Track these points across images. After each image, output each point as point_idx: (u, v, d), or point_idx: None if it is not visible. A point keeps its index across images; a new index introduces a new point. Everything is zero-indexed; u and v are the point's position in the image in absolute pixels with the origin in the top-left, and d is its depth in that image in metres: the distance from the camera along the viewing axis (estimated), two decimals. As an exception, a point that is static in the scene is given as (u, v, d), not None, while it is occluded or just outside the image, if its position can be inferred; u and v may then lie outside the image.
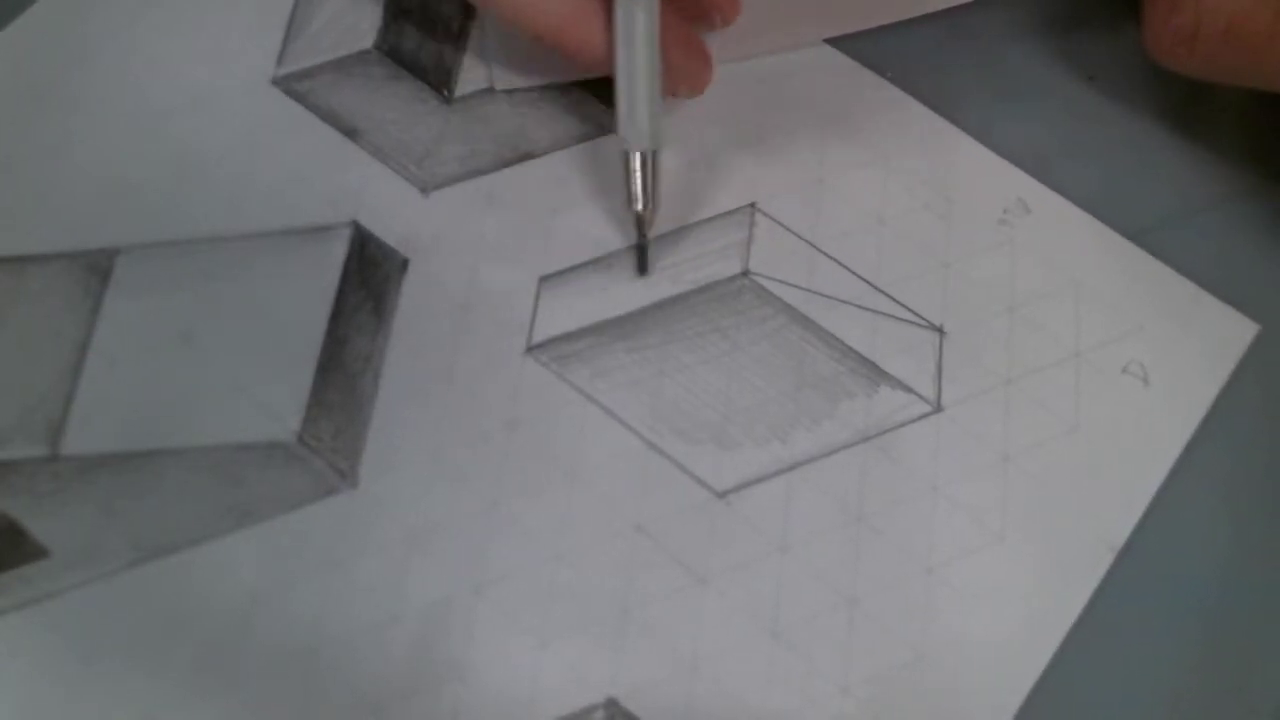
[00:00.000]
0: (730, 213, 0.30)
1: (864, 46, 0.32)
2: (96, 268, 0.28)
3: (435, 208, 0.30)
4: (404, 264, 0.29)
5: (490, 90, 0.31)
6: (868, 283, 0.29)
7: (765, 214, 0.30)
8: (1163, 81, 0.30)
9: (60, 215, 0.29)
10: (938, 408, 0.28)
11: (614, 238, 0.29)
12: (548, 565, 0.26)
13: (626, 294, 0.29)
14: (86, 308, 0.28)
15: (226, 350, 0.28)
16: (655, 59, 0.26)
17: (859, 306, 0.29)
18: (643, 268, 0.29)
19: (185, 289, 0.28)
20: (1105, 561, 0.27)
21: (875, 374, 0.28)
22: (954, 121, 0.31)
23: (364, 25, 0.32)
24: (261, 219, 0.29)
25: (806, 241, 0.29)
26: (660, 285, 0.29)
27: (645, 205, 0.28)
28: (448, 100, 0.31)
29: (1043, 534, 0.27)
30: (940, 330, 0.29)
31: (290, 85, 0.31)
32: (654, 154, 0.27)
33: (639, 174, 0.27)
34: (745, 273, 0.29)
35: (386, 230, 0.29)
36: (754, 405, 0.28)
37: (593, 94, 0.31)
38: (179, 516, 0.26)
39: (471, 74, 0.31)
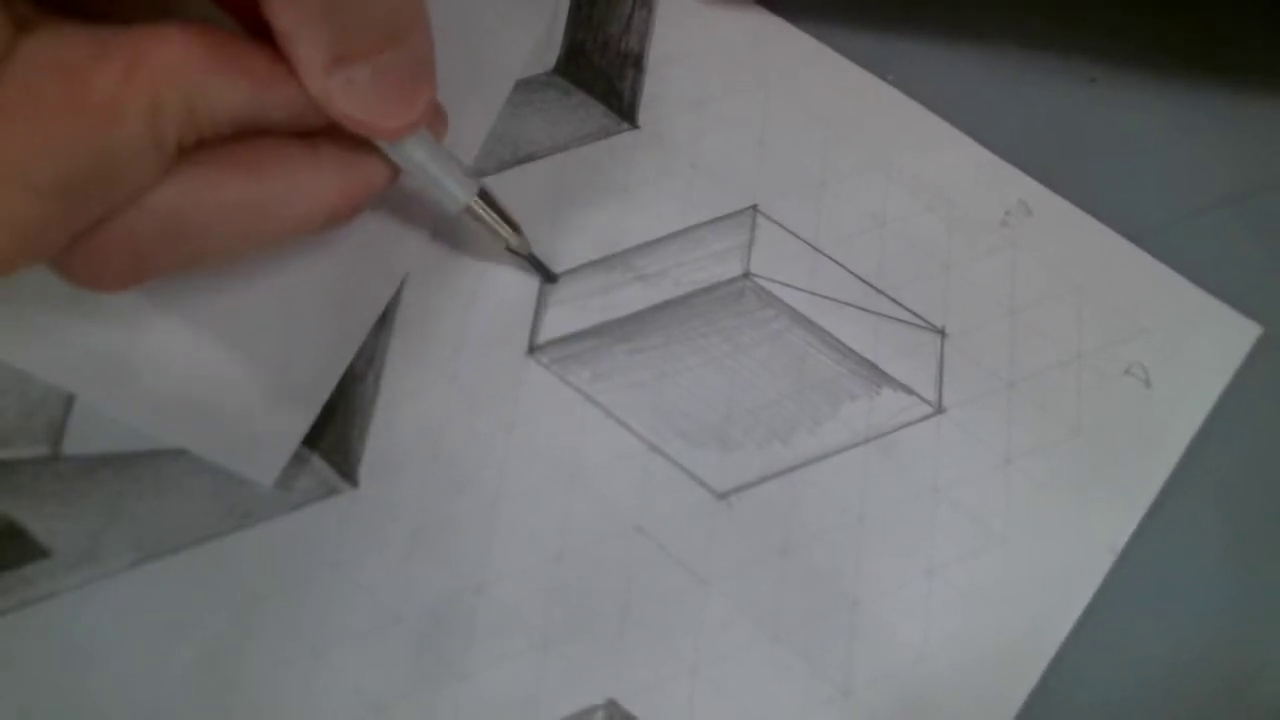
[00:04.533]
0: (732, 215, 0.30)
1: (864, 48, 0.32)
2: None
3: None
4: (405, 265, 0.29)
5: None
6: (869, 284, 0.29)
7: (766, 216, 0.30)
8: (1164, 82, 0.30)
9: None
10: (939, 409, 0.28)
11: (615, 238, 0.29)
12: (548, 566, 0.26)
13: (628, 295, 0.29)
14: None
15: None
16: (433, 144, 0.25)
17: (860, 308, 0.29)
18: (549, 276, 0.29)
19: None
20: (1106, 563, 0.27)
21: (876, 376, 0.28)
22: (955, 123, 0.31)
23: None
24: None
25: (808, 243, 0.29)
26: (662, 287, 0.29)
27: (514, 234, 0.27)
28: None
29: (1044, 536, 0.27)
30: (942, 332, 0.29)
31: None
32: (479, 194, 0.26)
33: (487, 217, 0.27)
34: (747, 274, 0.29)
35: (388, 231, 0.29)
36: (755, 407, 0.28)
37: (594, 94, 0.31)
38: (180, 517, 0.26)
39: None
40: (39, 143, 0.20)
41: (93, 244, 0.22)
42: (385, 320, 0.28)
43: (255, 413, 0.27)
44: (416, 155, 0.25)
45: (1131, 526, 0.27)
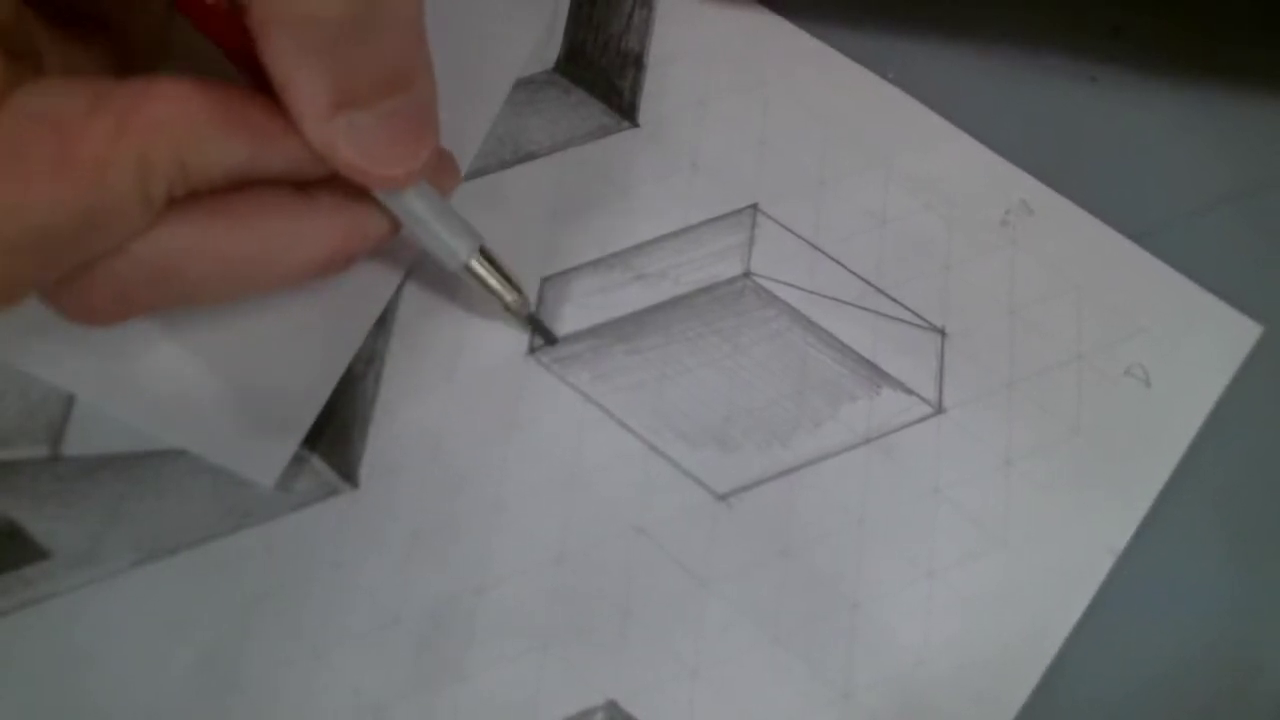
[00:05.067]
0: (731, 214, 0.30)
1: (864, 47, 0.32)
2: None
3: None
4: (405, 265, 0.29)
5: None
6: (869, 284, 0.29)
7: (766, 215, 0.30)
8: (1164, 82, 0.30)
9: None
10: (939, 410, 0.28)
11: (615, 239, 0.29)
12: (548, 567, 0.26)
13: (627, 296, 0.29)
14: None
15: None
16: (434, 197, 0.25)
17: (860, 308, 0.29)
18: (549, 339, 0.28)
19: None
20: (1106, 564, 0.27)
21: (876, 376, 0.28)
22: (955, 122, 0.31)
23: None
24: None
25: (808, 243, 0.29)
26: (662, 287, 0.29)
27: (516, 294, 0.27)
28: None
29: (1044, 537, 0.27)
30: (942, 332, 0.29)
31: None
32: (480, 250, 0.26)
33: (487, 276, 0.26)
34: (746, 274, 0.29)
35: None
36: (755, 407, 0.28)
37: (594, 94, 0.31)
38: (180, 517, 0.26)
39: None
40: (17, 200, 0.20)
41: (78, 285, 0.22)
42: (385, 320, 0.28)
43: (255, 413, 0.27)
44: (416, 208, 0.24)
45: (1132, 527, 0.27)
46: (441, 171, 0.25)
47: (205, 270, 0.23)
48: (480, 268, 0.26)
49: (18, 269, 0.21)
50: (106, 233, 0.21)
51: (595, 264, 0.29)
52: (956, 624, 0.26)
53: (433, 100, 0.23)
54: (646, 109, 0.31)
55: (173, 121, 0.21)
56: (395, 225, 0.25)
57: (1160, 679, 0.26)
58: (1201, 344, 0.29)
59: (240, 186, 0.23)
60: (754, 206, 0.30)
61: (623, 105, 0.31)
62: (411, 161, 0.23)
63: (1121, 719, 0.26)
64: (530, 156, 0.30)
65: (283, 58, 0.21)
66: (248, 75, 0.23)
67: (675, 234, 0.29)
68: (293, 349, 0.27)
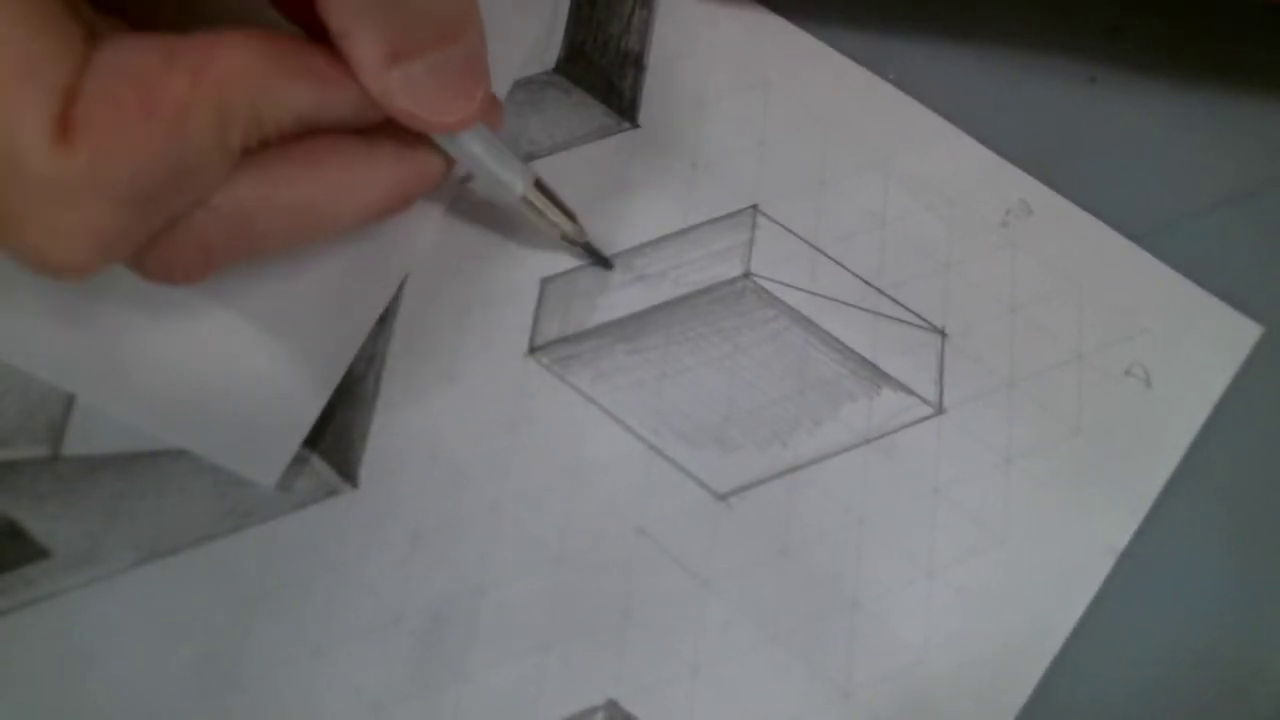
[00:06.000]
0: (732, 215, 0.30)
1: (864, 47, 0.32)
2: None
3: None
4: (405, 265, 0.29)
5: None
6: (869, 284, 0.29)
7: (767, 216, 0.30)
8: (1164, 82, 0.30)
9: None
10: (939, 410, 0.28)
11: (616, 239, 0.29)
12: (549, 567, 0.26)
13: (628, 296, 0.29)
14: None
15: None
16: (488, 136, 0.26)
17: (860, 308, 0.29)
18: (604, 262, 0.29)
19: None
20: (1107, 564, 0.27)
21: (877, 376, 0.28)
22: (955, 122, 0.31)
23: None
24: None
25: (808, 243, 0.29)
26: (662, 287, 0.29)
27: (569, 222, 0.28)
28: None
29: (1044, 536, 0.27)
30: (942, 332, 0.29)
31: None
32: (535, 181, 0.27)
33: (544, 207, 0.27)
34: (747, 274, 0.29)
35: (388, 231, 0.29)
36: (755, 407, 0.28)
37: (594, 94, 0.31)
38: (180, 517, 0.26)
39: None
40: (118, 153, 0.20)
41: (165, 244, 0.23)
42: (386, 321, 0.28)
43: (256, 413, 0.27)
44: (473, 148, 0.25)
45: (1133, 527, 0.27)
46: (491, 113, 0.26)
47: (280, 218, 0.24)
48: (536, 199, 0.27)
49: (123, 223, 0.21)
50: (193, 183, 0.22)
51: (597, 265, 0.29)
52: (956, 623, 0.26)
53: (482, 49, 0.24)
54: (646, 109, 0.31)
55: (244, 70, 0.21)
56: (451, 163, 0.26)
57: (1160, 679, 0.26)
58: (1202, 344, 0.29)
59: (305, 135, 0.23)
60: (754, 207, 0.30)
61: (623, 105, 0.31)
62: (465, 108, 0.24)
63: (1121, 719, 0.26)
64: (530, 157, 0.30)
65: (340, 11, 0.22)
66: (306, 29, 0.23)
67: (675, 234, 0.29)
68: (294, 349, 0.27)
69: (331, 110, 0.23)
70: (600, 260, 0.29)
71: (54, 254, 0.21)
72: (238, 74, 0.21)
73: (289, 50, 0.22)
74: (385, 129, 0.24)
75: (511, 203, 0.27)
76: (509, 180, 0.26)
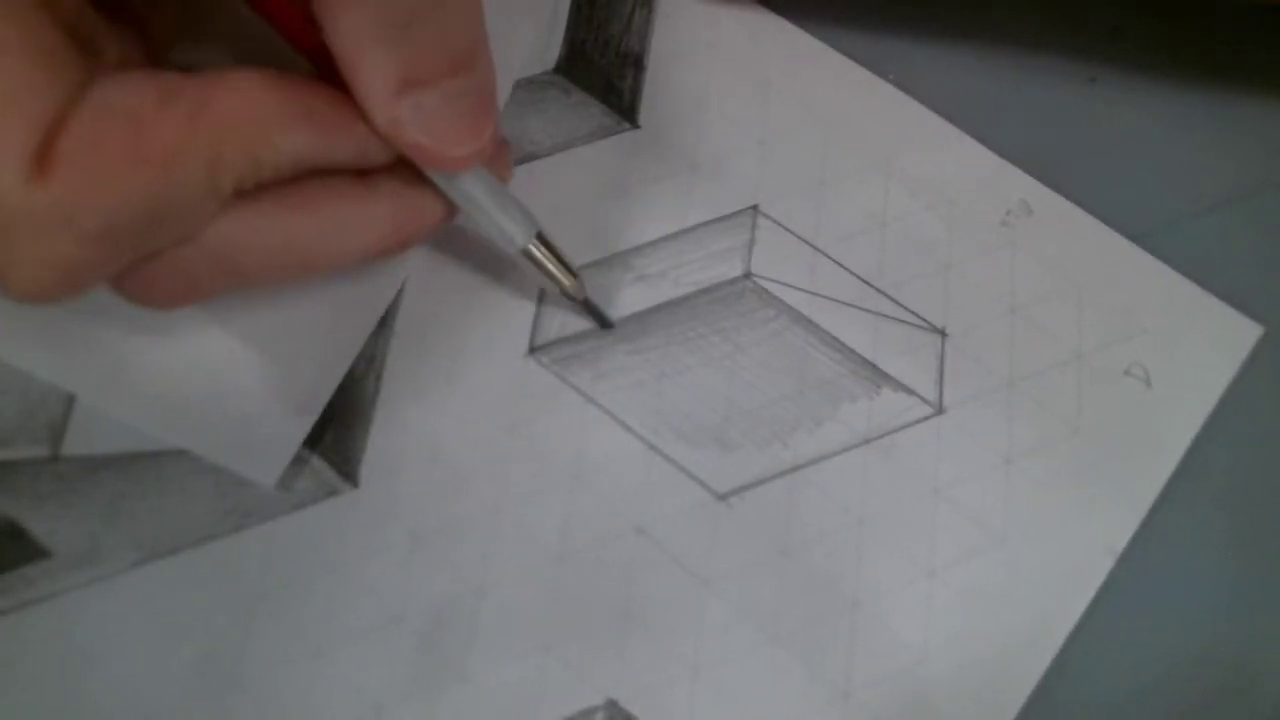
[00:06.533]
0: (732, 215, 0.30)
1: (864, 47, 0.32)
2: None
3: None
4: (405, 265, 0.29)
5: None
6: (869, 284, 0.29)
7: (767, 216, 0.30)
8: (1164, 82, 0.30)
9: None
10: (939, 410, 0.28)
11: (615, 238, 0.29)
12: (549, 567, 0.26)
13: (628, 296, 0.29)
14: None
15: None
16: (491, 182, 0.25)
17: (860, 308, 0.29)
18: (605, 323, 0.28)
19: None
20: (1106, 565, 0.27)
21: (877, 376, 0.28)
22: (955, 122, 0.31)
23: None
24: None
25: (808, 243, 0.29)
26: (662, 288, 0.29)
27: (570, 277, 0.27)
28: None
29: (1044, 537, 0.27)
30: (942, 332, 0.29)
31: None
32: (538, 235, 0.26)
33: (544, 260, 0.26)
34: (747, 275, 0.29)
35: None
36: (755, 407, 0.28)
37: (594, 94, 0.31)
38: (181, 517, 0.26)
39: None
40: (94, 191, 0.20)
41: (145, 272, 0.22)
42: (386, 321, 0.28)
43: (256, 414, 0.27)
44: (475, 192, 0.25)
45: (1132, 527, 0.27)
46: (498, 158, 0.25)
47: (269, 257, 0.23)
48: (538, 252, 0.26)
49: (90, 257, 0.21)
50: (176, 224, 0.21)
51: (595, 264, 0.29)
52: (956, 624, 0.26)
53: (493, 82, 0.24)
54: (646, 109, 0.31)
55: (243, 116, 0.21)
56: (452, 210, 0.25)
57: (1160, 679, 0.26)
58: (1202, 344, 0.29)
59: (303, 175, 0.23)
60: (754, 207, 0.30)
61: (623, 106, 0.31)
62: (475, 142, 0.23)
63: (1121, 719, 0.26)
64: (531, 157, 0.30)
65: (350, 38, 0.21)
66: (309, 59, 0.23)
67: (676, 235, 0.29)
68: (294, 350, 0.27)
69: (333, 153, 0.23)
70: (601, 320, 0.28)
71: (16, 281, 0.21)
72: (236, 119, 0.21)
73: (292, 93, 0.22)
74: (386, 171, 0.24)
75: (510, 255, 0.26)
76: (510, 231, 0.25)
